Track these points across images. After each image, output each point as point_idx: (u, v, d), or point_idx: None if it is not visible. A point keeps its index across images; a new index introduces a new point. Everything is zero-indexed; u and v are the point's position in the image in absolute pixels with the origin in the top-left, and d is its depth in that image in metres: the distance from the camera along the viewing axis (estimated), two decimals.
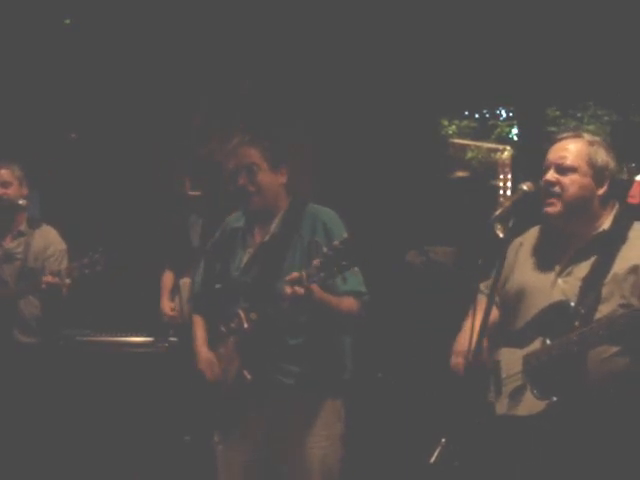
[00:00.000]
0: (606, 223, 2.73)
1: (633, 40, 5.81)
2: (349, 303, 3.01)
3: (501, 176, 7.85)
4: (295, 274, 2.79)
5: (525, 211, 2.70)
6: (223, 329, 3.13)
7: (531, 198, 2.71)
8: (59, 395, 4.49)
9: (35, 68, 6.55)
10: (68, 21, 6.53)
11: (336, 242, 2.71)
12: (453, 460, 2.53)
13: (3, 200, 4.30)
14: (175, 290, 4.43)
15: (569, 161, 2.72)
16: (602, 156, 2.75)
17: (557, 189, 2.70)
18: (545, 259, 2.78)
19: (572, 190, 2.70)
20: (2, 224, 4.40)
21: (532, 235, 2.87)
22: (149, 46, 6.55)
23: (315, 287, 2.78)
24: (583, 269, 2.69)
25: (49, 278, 4.02)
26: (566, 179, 2.71)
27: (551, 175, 2.72)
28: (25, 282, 4.22)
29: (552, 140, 2.83)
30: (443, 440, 2.53)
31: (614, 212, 2.76)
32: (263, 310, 2.97)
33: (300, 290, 2.76)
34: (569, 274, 2.71)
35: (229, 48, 6.59)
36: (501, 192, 7.85)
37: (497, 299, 2.89)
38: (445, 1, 6.12)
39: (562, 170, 2.71)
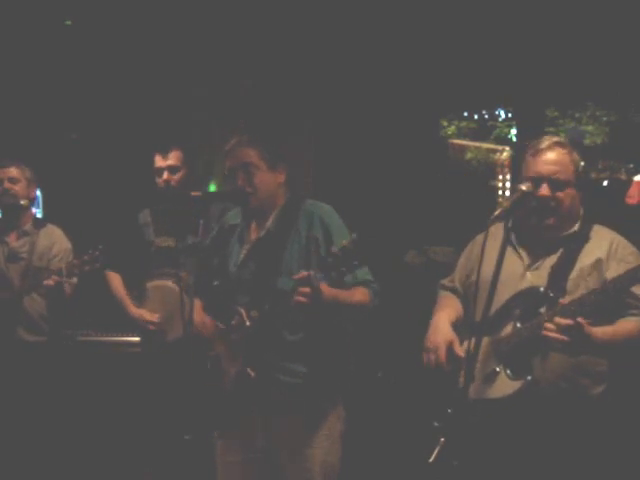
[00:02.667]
0: (576, 225, 2.86)
1: (632, 40, 5.82)
2: (361, 293, 3.02)
3: (500, 176, 7.86)
4: (303, 273, 2.79)
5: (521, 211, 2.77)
6: (222, 326, 3.15)
7: (529, 198, 2.76)
8: (62, 393, 4.50)
9: (36, 69, 6.56)
10: (69, 22, 6.54)
11: (345, 242, 2.72)
12: (452, 459, 2.54)
13: (8, 195, 4.30)
14: (139, 293, 4.22)
15: (563, 176, 2.80)
16: (578, 161, 2.85)
17: (553, 204, 2.78)
18: (513, 254, 2.86)
19: (567, 204, 2.81)
20: (7, 223, 4.41)
21: (497, 231, 2.86)
22: (150, 47, 6.56)
23: (324, 287, 2.79)
24: (550, 262, 2.81)
25: (50, 282, 4.05)
26: (561, 194, 2.80)
27: (546, 190, 2.78)
28: (29, 280, 4.23)
29: (533, 148, 2.86)
30: (442, 440, 2.54)
31: (581, 215, 2.89)
32: (263, 307, 2.98)
33: (307, 290, 2.76)
34: (537, 268, 2.83)
35: (229, 48, 6.60)
36: (500, 192, 7.85)
37: (461, 292, 3.04)
38: (445, 2, 6.13)
39: (556, 185, 2.79)
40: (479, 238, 3.00)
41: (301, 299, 2.79)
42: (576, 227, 2.85)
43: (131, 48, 6.58)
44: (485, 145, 7.84)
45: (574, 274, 2.75)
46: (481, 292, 2.80)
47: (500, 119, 7.73)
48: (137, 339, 4.57)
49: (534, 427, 2.71)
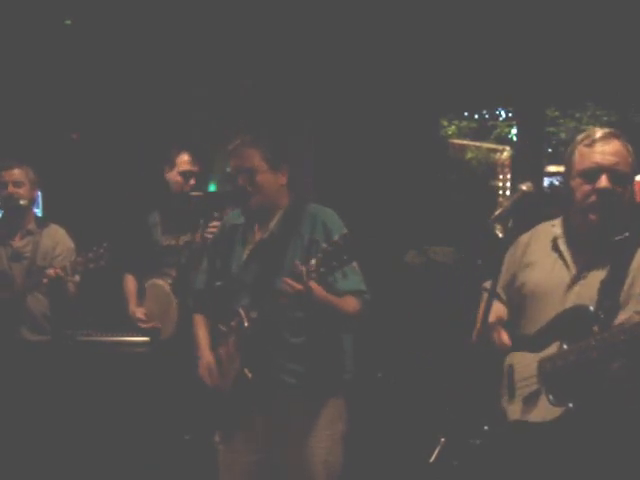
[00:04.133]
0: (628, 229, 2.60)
1: (632, 40, 5.82)
2: (350, 303, 2.99)
3: (500, 176, 7.87)
4: (300, 267, 2.76)
5: (525, 211, 2.60)
6: (223, 328, 3.15)
7: (530, 198, 2.68)
8: (65, 392, 4.50)
9: (36, 69, 6.56)
10: (69, 22, 6.54)
11: (335, 237, 2.71)
12: (452, 459, 2.54)
13: (13, 199, 4.31)
14: (141, 292, 4.29)
15: (623, 168, 2.55)
16: (634, 155, 2.61)
17: (614, 199, 2.53)
18: (559, 261, 2.67)
19: (624, 200, 2.55)
20: (11, 224, 4.41)
21: (542, 234, 2.75)
22: (150, 47, 6.56)
23: (315, 285, 2.76)
24: (600, 274, 2.57)
25: (51, 272, 4.04)
26: (620, 188, 2.54)
27: (606, 182, 2.53)
28: (32, 279, 4.24)
29: (587, 139, 2.61)
30: (442, 440, 2.54)
31: (629, 216, 2.63)
32: (263, 308, 2.98)
33: (298, 286, 2.75)
34: (585, 278, 2.60)
35: (230, 48, 6.60)
36: (500, 192, 7.87)
37: (504, 297, 2.82)
38: (445, 2, 6.13)
39: (616, 177, 2.54)
40: (522, 239, 2.81)
41: (286, 286, 2.76)
42: (628, 232, 2.58)
43: (131, 48, 6.58)
44: (485, 145, 7.85)
45: (625, 286, 2.51)
46: (527, 303, 2.66)
47: (500, 119, 7.74)
48: (139, 339, 4.59)
49: (576, 452, 2.53)
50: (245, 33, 6.47)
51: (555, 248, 2.69)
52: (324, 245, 2.71)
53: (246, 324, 3.00)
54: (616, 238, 2.58)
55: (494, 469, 2.45)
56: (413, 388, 4.87)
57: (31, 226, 4.41)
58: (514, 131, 7.67)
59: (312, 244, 3.01)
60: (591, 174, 2.55)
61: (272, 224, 3.15)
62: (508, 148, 7.70)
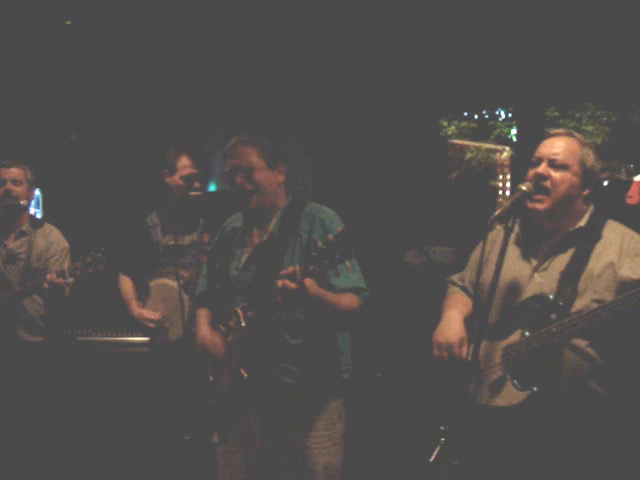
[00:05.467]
0: (582, 221, 2.80)
1: (632, 41, 5.82)
2: (349, 299, 2.99)
3: (500, 177, 7.87)
4: (290, 268, 2.76)
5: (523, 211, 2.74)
6: (222, 328, 3.15)
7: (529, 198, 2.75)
8: (63, 393, 4.50)
9: (35, 69, 6.56)
10: (69, 22, 6.54)
11: (329, 236, 2.71)
12: (453, 459, 2.54)
13: (11, 197, 4.30)
14: (141, 293, 4.23)
15: (562, 158, 2.76)
16: (591, 158, 2.80)
17: (548, 184, 2.74)
18: (520, 254, 2.83)
19: (562, 188, 2.75)
20: (6, 224, 4.40)
21: (503, 231, 2.84)
22: (150, 47, 6.56)
23: (309, 282, 2.76)
24: (559, 264, 2.75)
25: (53, 277, 4.02)
26: (557, 175, 2.75)
27: (544, 169, 2.75)
28: (29, 282, 4.22)
29: (544, 135, 2.86)
30: (442, 440, 2.54)
31: (590, 211, 2.82)
32: (260, 308, 2.98)
33: (292, 284, 2.74)
34: (545, 269, 2.77)
35: (230, 48, 6.60)
36: (500, 192, 7.86)
37: (471, 291, 2.99)
38: (445, 3, 6.13)
39: (555, 166, 2.76)
40: (490, 235, 2.96)
41: (281, 283, 2.76)
42: (582, 223, 2.78)
43: (131, 48, 6.59)
44: (485, 145, 7.85)
45: (584, 275, 2.69)
46: (491, 295, 2.74)
47: (500, 119, 7.74)
48: (139, 339, 4.57)
49: (541, 434, 2.68)
50: (245, 34, 6.47)
51: (517, 242, 2.86)
52: (319, 243, 2.71)
53: (243, 324, 3.00)
54: (572, 228, 2.78)
55: (463, 454, 2.50)
56: (413, 388, 4.87)
57: (25, 227, 4.39)
58: (514, 131, 7.66)
59: (310, 243, 3.00)
60: (535, 163, 2.79)
61: (271, 225, 3.15)
62: (508, 148, 7.70)
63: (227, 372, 3.09)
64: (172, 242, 4.21)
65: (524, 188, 2.72)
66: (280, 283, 2.77)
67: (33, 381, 4.22)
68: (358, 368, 3.23)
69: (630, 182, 6.06)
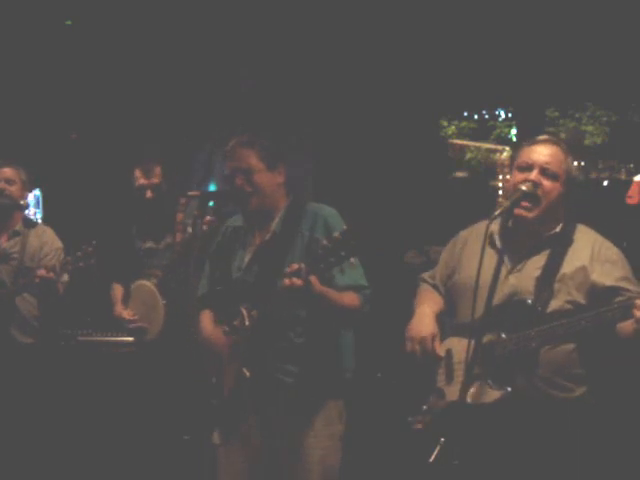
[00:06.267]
0: (559, 227, 2.83)
1: (632, 41, 5.83)
2: (351, 297, 3.00)
3: (500, 177, 7.87)
4: (295, 265, 2.78)
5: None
6: (226, 329, 3.14)
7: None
8: (58, 394, 4.49)
9: (36, 69, 6.56)
10: (69, 22, 6.54)
11: (335, 234, 2.71)
12: (452, 459, 2.54)
13: (5, 196, 4.30)
14: (127, 295, 4.27)
15: (553, 167, 2.78)
16: (574, 167, 2.84)
17: (539, 192, 2.75)
18: (495, 255, 2.82)
19: (551, 197, 2.77)
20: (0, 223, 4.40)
21: (480, 230, 2.85)
22: (150, 47, 6.57)
23: (314, 279, 2.77)
24: (533, 266, 2.78)
25: (43, 272, 4.02)
26: (549, 184, 2.76)
27: (536, 176, 2.75)
28: (21, 280, 4.22)
29: (528, 141, 2.87)
30: (442, 439, 2.54)
31: (564, 216, 2.85)
32: (264, 307, 2.98)
33: (298, 282, 2.75)
34: (520, 271, 2.80)
35: (230, 48, 6.60)
36: (500, 192, 7.87)
37: (442, 289, 3.02)
38: (445, 3, 6.13)
39: (547, 174, 2.76)
40: (462, 235, 3.02)
41: (288, 282, 2.78)
42: (558, 228, 2.82)
43: (131, 48, 6.59)
44: (485, 145, 7.85)
45: (558, 277, 2.73)
46: (465, 294, 2.82)
47: (500, 119, 7.74)
48: (132, 339, 4.59)
49: (515, 431, 2.70)
50: (246, 34, 6.47)
51: (492, 244, 2.85)
52: (324, 242, 2.71)
53: (247, 323, 3.01)
54: (549, 233, 2.80)
55: (433, 448, 2.52)
56: (413, 388, 4.87)
57: (18, 227, 4.39)
58: (514, 131, 7.67)
59: (313, 242, 3.01)
60: (526, 168, 2.79)
61: (273, 224, 3.16)
62: (508, 148, 7.70)
63: (230, 372, 3.09)
64: (152, 245, 4.27)
65: (524, 188, 2.73)
66: (286, 281, 2.78)
67: (26, 382, 4.21)
68: (358, 368, 3.23)
69: (630, 182, 6.07)
